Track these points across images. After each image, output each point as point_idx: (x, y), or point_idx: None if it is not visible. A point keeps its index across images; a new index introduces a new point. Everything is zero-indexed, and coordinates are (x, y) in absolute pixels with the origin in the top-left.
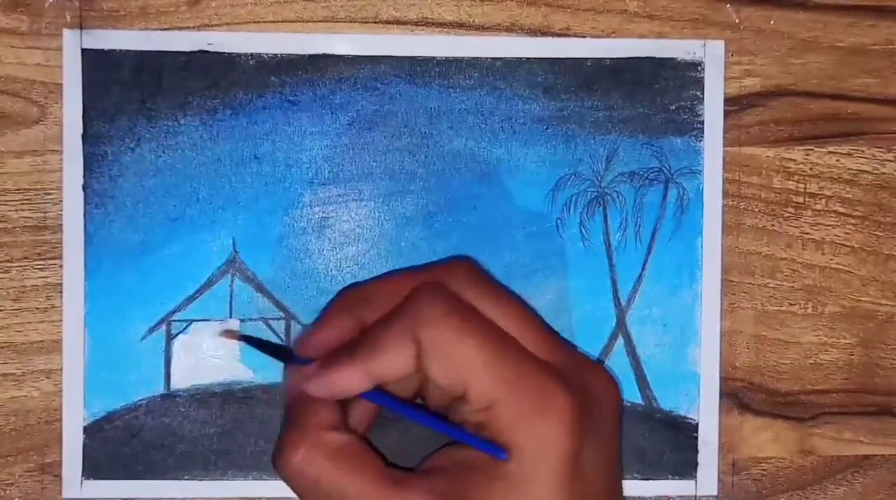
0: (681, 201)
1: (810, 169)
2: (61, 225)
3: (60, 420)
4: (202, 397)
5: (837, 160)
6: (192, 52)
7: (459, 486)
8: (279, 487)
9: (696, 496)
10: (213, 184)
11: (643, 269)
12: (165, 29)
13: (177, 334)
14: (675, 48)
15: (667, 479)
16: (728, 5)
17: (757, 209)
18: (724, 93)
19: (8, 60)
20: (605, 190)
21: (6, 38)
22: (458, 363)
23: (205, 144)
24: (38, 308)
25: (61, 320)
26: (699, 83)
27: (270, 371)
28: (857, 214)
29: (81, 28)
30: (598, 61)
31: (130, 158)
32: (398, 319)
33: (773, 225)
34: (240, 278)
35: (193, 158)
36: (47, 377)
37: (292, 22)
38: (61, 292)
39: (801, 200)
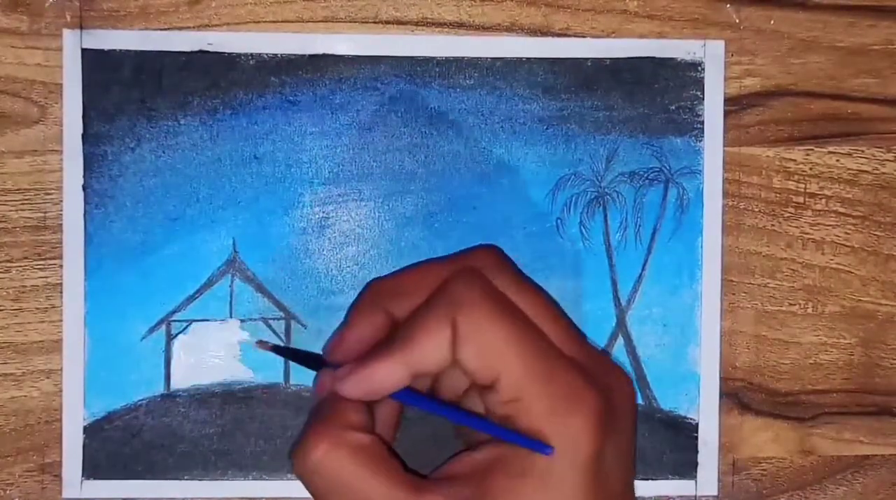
0: (681, 201)
1: (810, 169)
2: (61, 225)
3: (60, 420)
4: (202, 397)
5: (837, 160)
6: (192, 52)
7: (483, 490)
8: (279, 487)
9: (696, 496)
10: (213, 184)
11: (643, 269)
12: (165, 29)
13: (177, 334)
14: (675, 48)
15: (667, 479)
16: (728, 5)
17: (757, 209)
18: (724, 93)
19: (8, 60)
20: (605, 190)
21: (6, 38)
22: (493, 349)
23: (205, 144)
24: (38, 308)
25: (61, 320)
26: (699, 83)
27: (270, 371)
28: (857, 214)
29: (81, 28)
30: (598, 61)
31: (130, 158)
32: (435, 305)
33: (773, 225)
34: (240, 278)
35: (193, 158)
36: (47, 377)
37: (292, 22)
38: (61, 292)
39: (801, 200)
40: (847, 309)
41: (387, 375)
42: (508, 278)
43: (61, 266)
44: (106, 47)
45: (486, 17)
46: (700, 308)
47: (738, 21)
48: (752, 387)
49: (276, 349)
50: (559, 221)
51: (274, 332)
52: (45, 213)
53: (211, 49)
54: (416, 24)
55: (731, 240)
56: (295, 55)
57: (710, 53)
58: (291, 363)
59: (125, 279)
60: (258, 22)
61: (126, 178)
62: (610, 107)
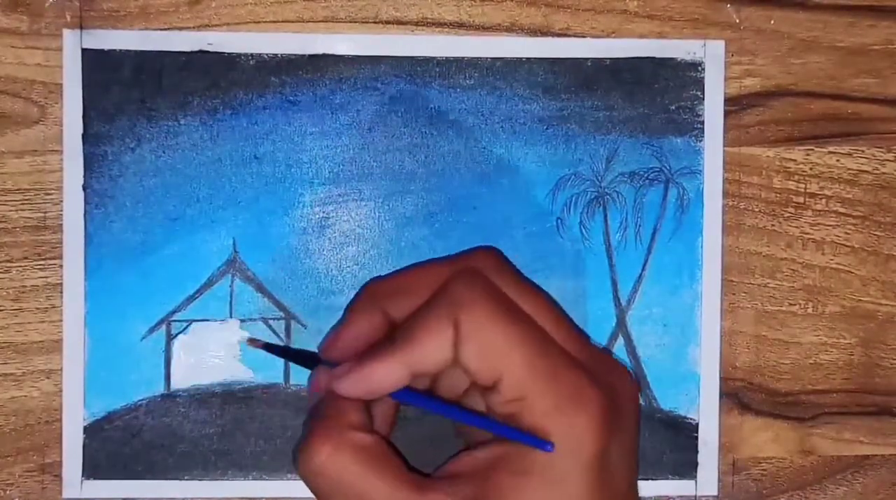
0: (681, 201)
1: (810, 169)
2: (61, 225)
3: (60, 420)
4: (202, 397)
5: (837, 160)
6: (192, 52)
7: (487, 488)
8: (279, 487)
9: (696, 496)
10: (213, 184)
11: (643, 269)
12: (165, 29)
13: (177, 334)
14: (675, 48)
15: (667, 479)
16: (728, 5)
17: (757, 209)
18: (724, 93)
19: (8, 60)
20: (606, 190)
21: (6, 38)
22: (496, 349)
23: (205, 144)
24: (38, 308)
25: (61, 320)
26: (699, 83)
27: (270, 371)
28: (857, 214)
29: (81, 28)
30: (598, 61)
31: (130, 158)
32: (437, 304)
33: (773, 225)
34: (240, 278)
35: (193, 158)
36: (47, 377)
37: (292, 22)
38: (61, 292)
39: (801, 200)
40: (847, 309)
41: (386, 374)
42: (509, 278)
43: (61, 266)
44: (106, 47)
45: (486, 17)
46: (700, 308)
47: (738, 21)
48: (752, 387)
49: (267, 347)
50: (559, 221)
51: (274, 332)
52: (45, 213)
53: (211, 49)
54: (416, 24)
55: (731, 240)
56: (295, 55)
57: (710, 53)
58: (291, 364)
59: (125, 279)
60: (258, 22)
61: (126, 178)
62: (610, 107)
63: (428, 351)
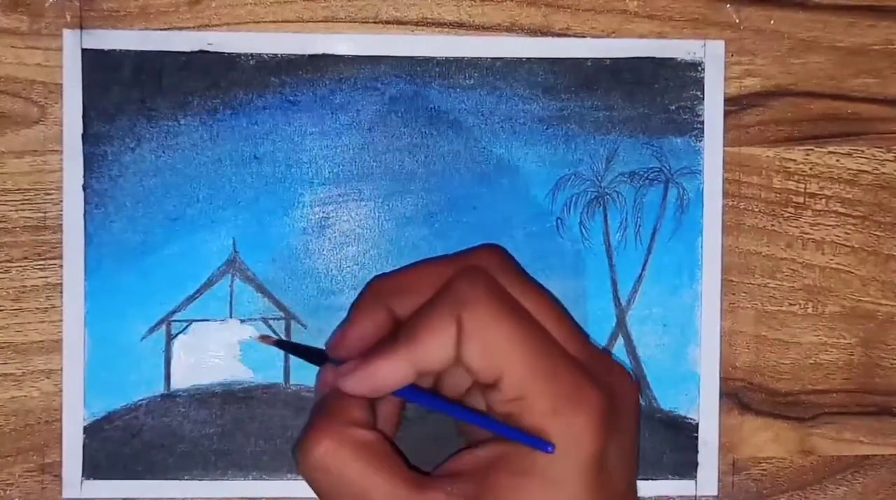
0: (681, 201)
1: (810, 169)
2: (61, 225)
3: (60, 420)
4: (202, 397)
5: (837, 160)
6: (192, 52)
7: (486, 487)
8: (279, 487)
9: (696, 496)
10: (213, 184)
11: (643, 269)
12: (165, 29)
13: (177, 334)
14: (675, 48)
15: (667, 479)
16: (728, 5)
17: (757, 209)
18: (724, 93)
19: (8, 60)
20: (605, 190)
21: (6, 38)
22: (498, 348)
23: (205, 144)
24: (38, 308)
25: (61, 320)
26: (699, 83)
27: (270, 371)
28: (857, 214)
29: (81, 28)
30: (598, 61)
31: (130, 158)
32: (441, 302)
33: (773, 225)
34: (240, 278)
35: (193, 158)
36: (47, 377)
37: (292, 22)
38: (61, 292)
39: (801, 200)
40: (847, 309)
41: (391, 372)
42: (512, 277)
43: (61, 266)
44: (106, 47)
45: (486, 17)
46: (700, 308)
47: (738, 21)
48: (752, 387)
49: (279, 344)
50: (559, 221)
51: (274, 332)
52: (45, 213)
53: (211, 49)
54: (416, 24)
55: (731, 240)
56: (295, 55)
57: (710, 53)
58: (291, 363)
59: (125, 279)
60: (258, 22)
61: (126, 178)
62: (610, 107)
63: (431, 349)
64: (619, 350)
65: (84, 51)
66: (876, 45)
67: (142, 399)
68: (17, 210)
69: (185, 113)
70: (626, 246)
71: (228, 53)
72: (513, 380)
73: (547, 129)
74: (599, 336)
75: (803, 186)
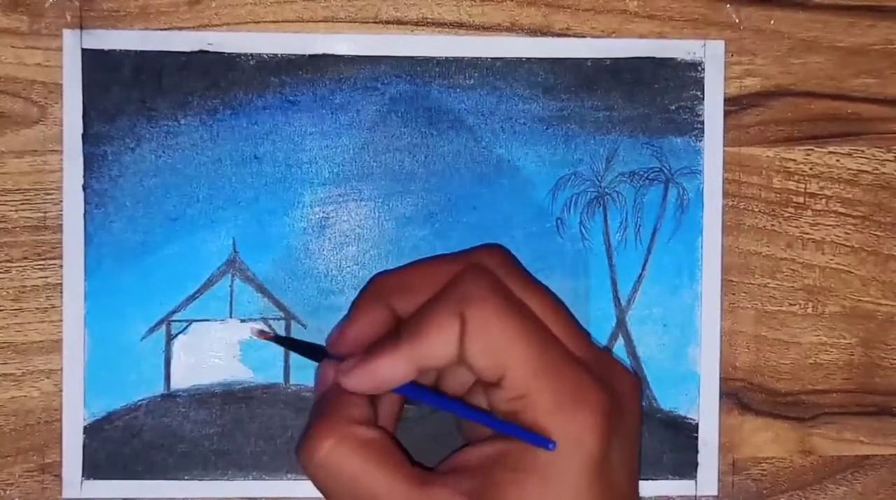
0: (681, 201)
1: (810, 169)
2: (61, 225)
3: (60, 420)
4: (202, 397)
5: (837, 160)
6: (192, 52)
7: (488, 483)
8: (279, 487)
9: (696, 496)
10: (213, 184)
11: (643, 269)
12: (165, 29)
13: (177, 334)
14: (675, 48)
15: (667, 479)
16: (728, 5)
17: (757, 209)
18: (724, 93)
19: (8, 60)
20: (605, 190)
21: (6, 38)
22: (501, 345)
23: (205, 144)
24: (38, 308)
25: (61, 320)
26: (699, 83)
27: (270, 371)
28: (857, 214)
29: (81, 28)
30: (598, 61)
31: (130, 158)
32: (444, 300)
33: (773, 225)
34: (240, 278)
35: (193, 158)
36: (47, 377)
37: (292, 22)
38: (61, 292)
39: (801, 200)
40: (847, 309)
41: (392, 369)
42: (515, 276)
43: (61, 266)
44: (106, 47)
45: (486, 17)
46: (700, 308)
47: (738, 21)
48: (752, 387)
49: (277, 339)
50: (559, 221)
51: (274, 332)
52: (45, 213)
53: (211, 49)
54: (416, 24)
55: (731, 240)
56: (295, 55)
57: (710, 53)
58: (291, 363)
59: (125, 279)
60: (258, 22)
61: (126, 178)
62: (610, 107)
63: (434, 347)
64: (619, 350)
65: (84, 51)
66: (876, 45)
67: (142, 399)
68: (17, 210)
69: (185, 113)
70: (626, 246)
71: (228, 53)
72: (516, 378)
73: (547, 129)
74: (600, 336)
75: (803, 186)
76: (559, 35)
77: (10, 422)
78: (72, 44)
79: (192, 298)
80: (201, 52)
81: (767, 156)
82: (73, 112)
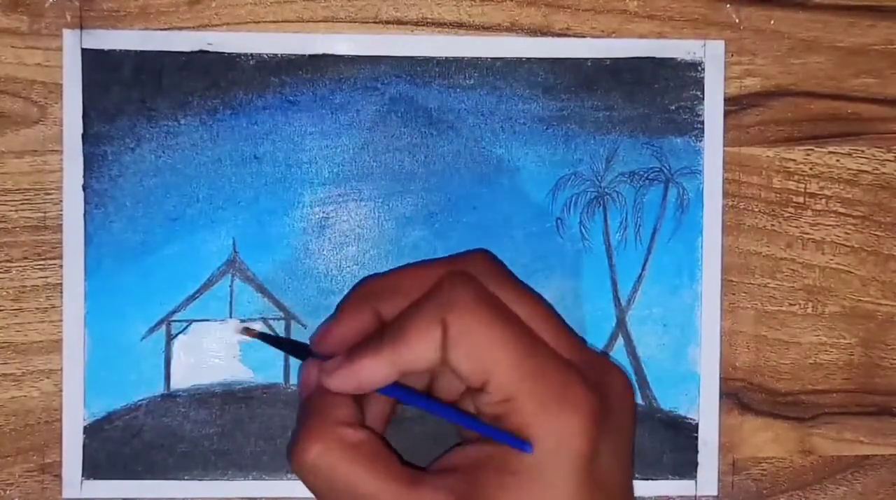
0: (681, 201)
1: (810, 169)
2: (61, 225)
3: (60, 420)
4: (202, 397)
5: (837, 160)
6: (192, 52)
7: (476, 484)
8: (279, 487)
9: (696, 496)
10: (213, 184)
11: (643, 269)
12: (165, 29)
13: (177, 334)
14: (675, 48)
15: (667, 479)
16: (728, 5)
17: (757, 209)
18: (724, 93)
19: (8, 60)
20: (605, 190)
21: (6, 38)
22: (484, 351)
23: (205, 144)
24: (38, 308)
25: (61, 320)
26: (699, 83)
27: (270, 371)
28: (857, 214)
29: (81, 28)
30: (598, 61)
31: (130, 158)
32: (427, 305)
33: (773, 225)
34: (240, 278)
35: (193, 158)
36: (47, 377)
37: (292, 22)
38: (61, 292)
39: (801, 200)
40: (847, 309)
41: (374, 370)
42: (501, 281)
43: (61, 266)
44: (106, 47)
45: (486, 17)
46: (700, 308)
47: (738, 21)
48: (752, 387)
49: (262, 337)
50: (559, 221)
51: (274, 332)
52: (45, 213)
53: (211, 49)
54: (416, 24)
55: (731, 240)
56: (295, 55)
57: (710, 53)
58: (291, 363)
59: (125, 279)
60: (258, 22)
61: (126, 178)
62: (610, 107)
63: (416, 350)
64: (619, 350)
65: (84, 51)
66: (876, 45)
67: (142, 399)
68: (17, 210)
69: (185, 113)
70: (626, 246)
71: (228, 53)
72: (500, 383)
73: (547, 129)
74: (599, 336)
75: (803, 186)
76: (559, 35)
77: (10, 422)
78: (72, 44)
79: (192, 298)
80: (201, 52)
81: (767, 156)
82: (73, 112)
